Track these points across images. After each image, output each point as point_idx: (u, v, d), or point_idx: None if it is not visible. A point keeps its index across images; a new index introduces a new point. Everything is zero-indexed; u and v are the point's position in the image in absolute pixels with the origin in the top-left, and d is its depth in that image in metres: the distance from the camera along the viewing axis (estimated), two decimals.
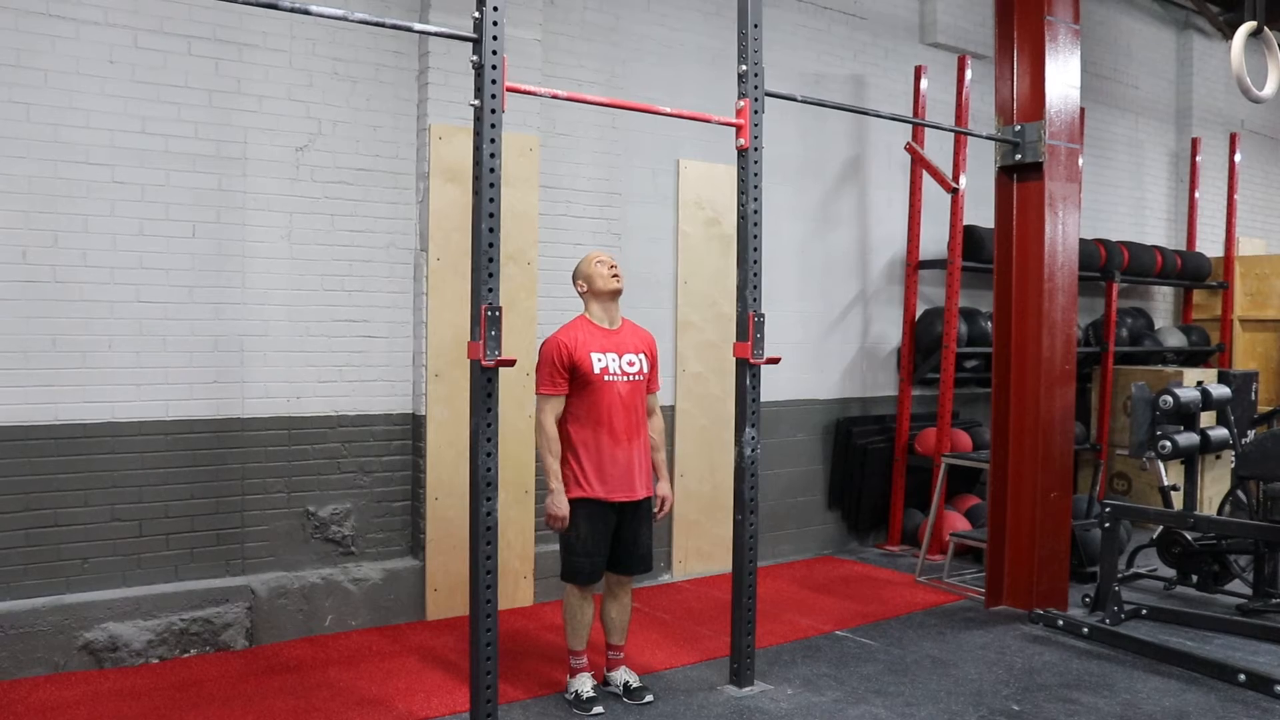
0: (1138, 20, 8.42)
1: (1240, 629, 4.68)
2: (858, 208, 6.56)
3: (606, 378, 3.69)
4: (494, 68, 3.23)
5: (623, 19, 5.45)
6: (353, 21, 3.19)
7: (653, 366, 3.90)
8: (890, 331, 6.73)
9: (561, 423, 3.73)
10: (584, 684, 3.78)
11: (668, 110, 3.97)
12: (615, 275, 3.81)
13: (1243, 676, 4.01)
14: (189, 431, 4.30)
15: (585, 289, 3.84)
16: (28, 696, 3.69)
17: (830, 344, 6.43)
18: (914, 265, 6.50)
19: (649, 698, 3.81)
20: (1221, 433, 5.26)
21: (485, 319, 3.21)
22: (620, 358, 3.75)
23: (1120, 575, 5.22)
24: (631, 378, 3.76)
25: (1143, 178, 8.59)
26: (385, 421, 4.77)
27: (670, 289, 5.64)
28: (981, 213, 6.41)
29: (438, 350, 4.72)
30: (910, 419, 6.50)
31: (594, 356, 3.69)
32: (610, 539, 3.76)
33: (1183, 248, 8.65)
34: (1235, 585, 5.24)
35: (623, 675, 3.90)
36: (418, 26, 3.40)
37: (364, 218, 4.69)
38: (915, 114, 6.42)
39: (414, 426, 4.82)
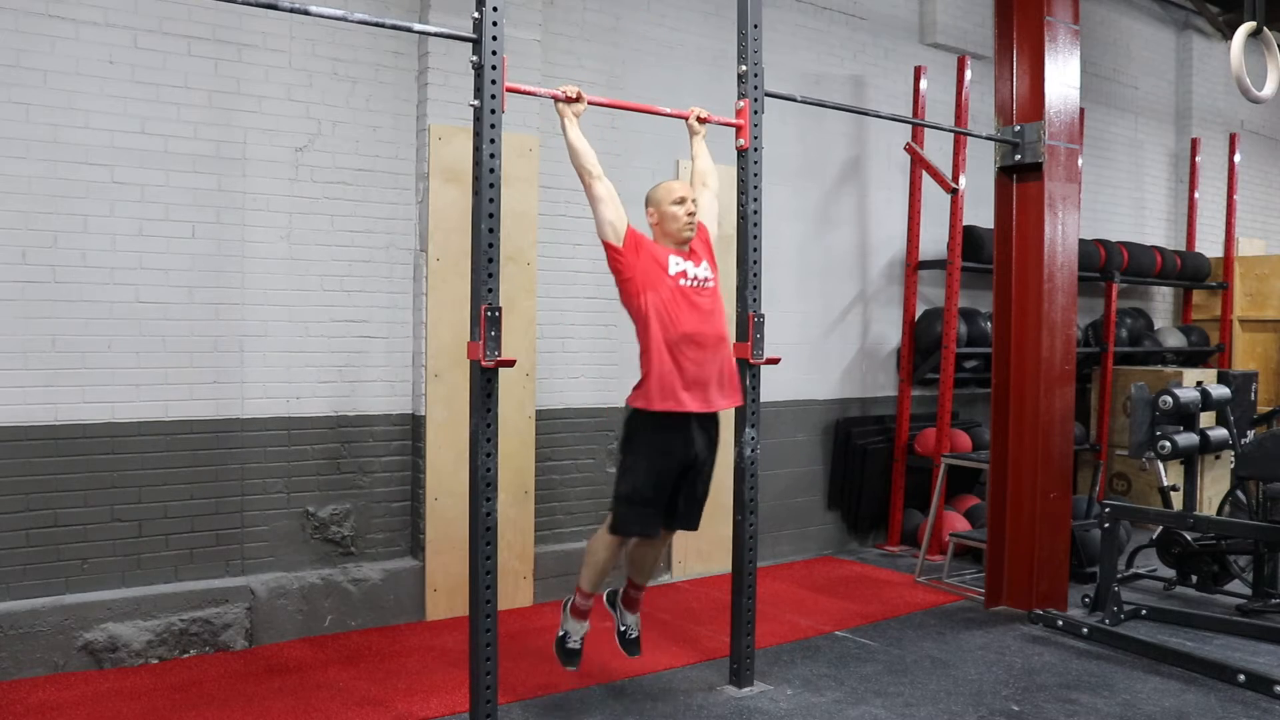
0: (1137, 20, 8.41)
1: (1240, 629, 4.68)
2: (857, 208, 6.56)
3: (682, 281, 3.52)
4: (494, 68, 3.23)
5: (623, 19, 5.45)
6: (352, 22, 3.19)
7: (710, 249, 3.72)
8: (890, 332, 6.73)
9: (641, 333, 3.54)
10: (579, 630, 3.73)
11: (668, 110, 3.97)
12: (690, 225, 3.59)
13: (1242, 677, 4.01)
14: (189, 432, 4.30)
15: (655, 221, 3.63)
16: (27, 697, 3.69)
17: (830, 344, 6.42)
18: (913, 266, 6.50)
19: (637, 653, 3.90)
20: (1221, 433, 5.26)
21: (485, 319, 3.21)
22: (697, 266, 3.60)
23: (1120, 575, 5.22)
24: (703, 283, 3.58)
25: (1142, 178, 8.58)
26: (385, 422, 4.76)
27: None
28: (981, 213, 6.41)
29: (437, 351, 4.72)
30: (910, 419, 6.50)
31: (671, 259, 3.54)
32: (673, 486, 3.58)
33: (1182, 248, 8.65)
34: (1235, 585, 5.24)
35: (632, 621, 3.87)
36: (417, 27, 3.41)
37: (363, 218, 4.69)
38: (915, 114, 6.42)
39: (413, 427, 4.82)
